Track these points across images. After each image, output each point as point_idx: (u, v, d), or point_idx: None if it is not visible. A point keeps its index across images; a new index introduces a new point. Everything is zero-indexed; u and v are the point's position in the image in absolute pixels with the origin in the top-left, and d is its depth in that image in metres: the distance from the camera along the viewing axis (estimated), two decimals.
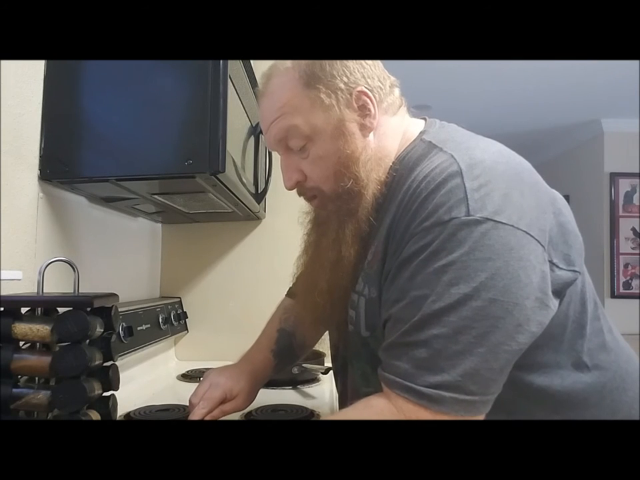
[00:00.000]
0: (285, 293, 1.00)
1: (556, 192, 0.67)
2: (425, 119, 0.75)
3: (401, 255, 0.60)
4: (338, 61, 0.68)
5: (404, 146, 0.71)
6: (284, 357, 0.95)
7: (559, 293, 0.60)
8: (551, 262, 0.59)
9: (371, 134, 0.69)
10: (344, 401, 0.81)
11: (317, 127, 0.68)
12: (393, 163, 0.70)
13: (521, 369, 0.60)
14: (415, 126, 0.73)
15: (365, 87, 0.68)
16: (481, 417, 0.56)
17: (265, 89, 0.72)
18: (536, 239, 0.57)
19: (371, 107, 0.68)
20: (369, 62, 0.70)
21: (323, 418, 0.97)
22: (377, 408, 0.59)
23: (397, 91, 0.74)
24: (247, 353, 0.96)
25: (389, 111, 0.71)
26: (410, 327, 0.57)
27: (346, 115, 0.67)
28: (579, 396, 0.63)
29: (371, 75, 0.69)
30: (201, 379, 0.87)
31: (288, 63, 0.69)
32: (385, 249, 0.65)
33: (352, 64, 0.68)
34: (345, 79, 0.67)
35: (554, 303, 0.59)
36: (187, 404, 0.89)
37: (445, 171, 0.59)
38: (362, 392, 0.69)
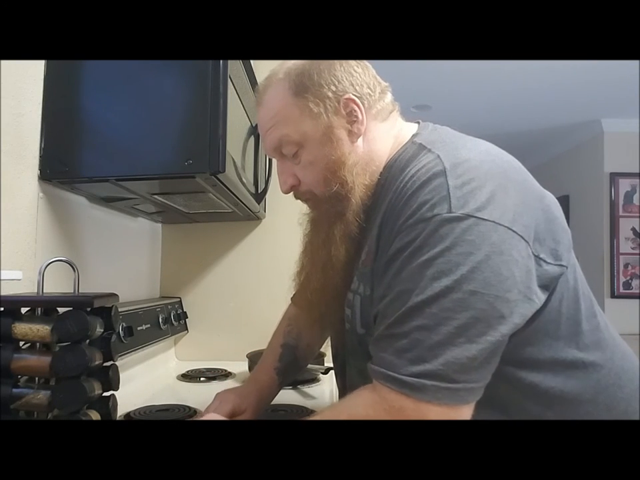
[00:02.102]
0: (290, 297, 1.00)
1: (545, 190, 0.68)
2: (418, 123, 0.77)
3: (388, 252, 0.62)
4: (326, 70, 0.70)
5: (396, 149, 0.73)
6: (288, 372, 0.98)
7: (547, 287, 0.61)
8: (537, 257, 0.60)
9: (360, 139, 0.72)
10: None
11: (307, 134, 0.71)
12: (383, 166, 0.72)
13: (514, 364, 0.62)
14: (408, 129, 0.75)
15: (353, 95, 0.70)
16: (468, 406, 0.57)
17: (260, 99, 0.75)
18: (519, 235, 0.58)
19: (358, 113, 0.70)
20: (359, 69, 0.72)
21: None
22: (362, 397, 0.61)
23: (388, 97, 0.75)
24: (253, 372, 1.01)
25: (378, 116, 0.73)
26: (394, 320, 0.58)
27: (334, 121, 0.70)
28: (572, 392, 0.63)
29: (360, 82, 0.71)
30: (213, 398, 0.93)
31: (280, 74, 0.72)
32: (377, 247, 0.67)
33: (340, 73, 0.70)
34: (333, 88, 0.70)
35: (539, 296, 0.60)
36: (187, 404, 0.95)
37: (430, 171, 0.61)
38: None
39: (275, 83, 0.73)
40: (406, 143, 0.72)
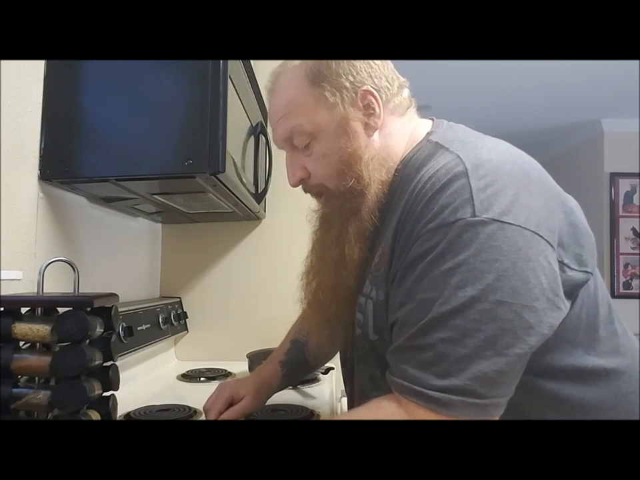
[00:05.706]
0: (296, 297, 0.99)
1: (566, 193, 0.66)
2: (432, 120, 0.75)
3: (407, 257, 0.60)
4: (345, 60, 0.67)
5: (411, 147, 0.70)
6: (294, 367, 0.97)
7: (571, 294, 0.59)
8: (561, 262, 0.58)
9: (376, 133, 0.69)
10: (352, 405, 0.81)
11: (321, 124, 0.68)
12: (398, 163, 0.70)
13: (534, 372, 0.59)
14: (423, 127, 0.73)
15: (371, 87, 0.68)
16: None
17: (274, 86, 0.72)
18: (545, 239, 0.56)
19: (376, 106, 0.68)
20: (378, 62, 0.69)
21: (327, 418, 0.99)
22: (387, 410, 0.58)
23: (405, 92, 0.73)
24: (260, 365, 1.02)
25: (395, 111, 0.71)
26: (417, 331, 0.56)
27: (350, 113, 0.67)
28: (593, 400, 0.61)
29: (379, 74, 0.69)
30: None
31: (296, 61, 0.70)
32: (392, 250, 0.64)
33: (359, 63, 0.68)
34: (351, 78, 0.67)
35: (565, 304, 0.58)
36: (187, 404, 0.96)
37: (450, 171, 0.58)
38: (371, 396, 0.68)
39: (290, 70, 0.70)
40: (421, 141, 0.70)
